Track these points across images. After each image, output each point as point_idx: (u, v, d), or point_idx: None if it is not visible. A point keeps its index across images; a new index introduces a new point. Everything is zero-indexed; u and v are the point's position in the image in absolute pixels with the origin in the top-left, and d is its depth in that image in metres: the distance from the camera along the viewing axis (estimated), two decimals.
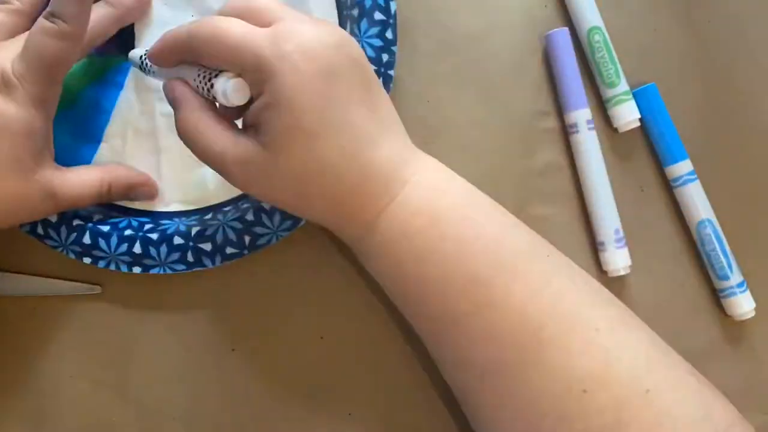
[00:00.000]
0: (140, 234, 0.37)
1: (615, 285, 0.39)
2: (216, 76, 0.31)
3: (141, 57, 0.36)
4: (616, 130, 0.40)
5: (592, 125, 0.39)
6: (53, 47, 0.32)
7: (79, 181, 0.35)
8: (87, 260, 0.37)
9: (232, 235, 0.37)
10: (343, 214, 0.31)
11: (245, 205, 0.38)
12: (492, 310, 0.30)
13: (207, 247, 0.37)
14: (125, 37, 0.38)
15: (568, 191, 0.40)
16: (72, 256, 0.37)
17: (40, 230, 0.37)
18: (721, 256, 0.39)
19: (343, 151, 0.30)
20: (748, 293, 0.39)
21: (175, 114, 0.32)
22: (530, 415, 0.30)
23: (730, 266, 0.39)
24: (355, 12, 0.37)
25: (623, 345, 0.30)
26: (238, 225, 0.37)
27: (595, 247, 0.40)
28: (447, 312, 0.31)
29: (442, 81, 0.40)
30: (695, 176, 0.39)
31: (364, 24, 0.37)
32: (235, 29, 0.30)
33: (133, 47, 0.38)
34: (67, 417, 0.39)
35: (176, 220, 0.38)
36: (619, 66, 0.39)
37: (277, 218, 0.37)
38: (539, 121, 0.40)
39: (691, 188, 0.39)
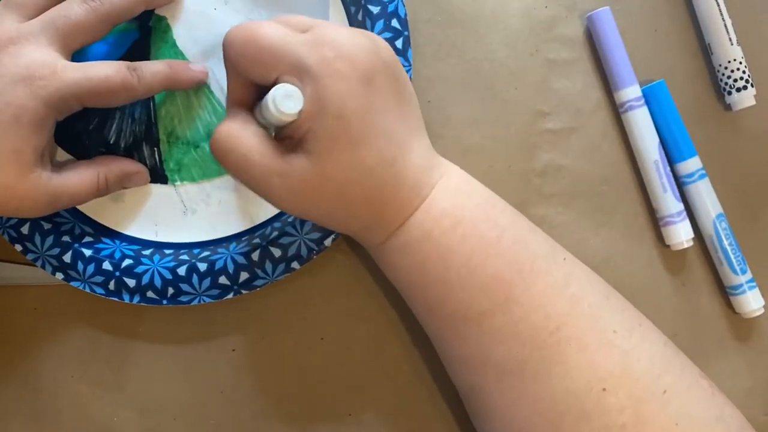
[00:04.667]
0: (116, 274, 0.37)
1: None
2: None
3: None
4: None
5: (642, 101, 0.39)
6: (114, 88, 0.33)
7: (77, 179, 0.35)
8: (60, 275, 0.37)
9: (197, 280, 0.37)
10: (377, 220, 0.31)
11: (221, 253, 0.38)
12: (513, 308, 0.30)
13: (186, 287, 0.37)
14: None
15: (568, 191, 0.40)
16: (49, 269, 0.37)
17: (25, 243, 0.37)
18: (738, 251, 0.39)
19: (381, 157, 0.30)
20: (757, 290, 0.39)
21: (216, 127, 0.31)
22: (549, 414, 0.30)
23: (744, 261, 0.39)
24: None
25: (640, 347, 0.31)
26: (203, 266, 0.37)
27: (597, 248, 0.40)
28: (468, 311, 0.31)
29: (442, 81, 0.40)
30: (705, 173, 0.39)
31: None
32: (273, 31, 0.30)
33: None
34: (67, 417, 0.39)
35: (156, 259, 0.38)
36: None
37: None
38: (539, 122, 0.40)
39: (701, 185, 0.39)
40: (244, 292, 0.37)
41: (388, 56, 0.31)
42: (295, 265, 0.37)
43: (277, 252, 0.37)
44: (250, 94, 0.33)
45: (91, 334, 0.39)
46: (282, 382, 0.39)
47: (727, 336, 0.40)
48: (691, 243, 0.39)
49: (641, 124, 0.39)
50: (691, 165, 0.39)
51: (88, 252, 0.37)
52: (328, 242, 0.37)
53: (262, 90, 0.32)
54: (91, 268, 0.37)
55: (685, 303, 0.40)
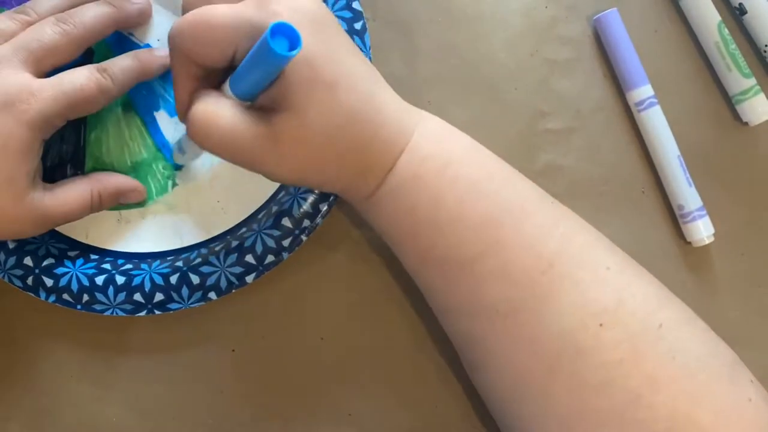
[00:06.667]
0: (36, 271, 0.37)
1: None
2: None
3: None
4: (746, 124, 0.40)
5: (656, 99, 0.39)
6: (91, 96, 0.33)
7: (70, 197, 0.35)
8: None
9: (113, 292, 0.37)
10: (367, 165, 0.31)
11: (142, 269, 0.37)
12: (503, 249, 0.30)
13: (101, 297, 0.37)
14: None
15: (569, 192, 0.40)
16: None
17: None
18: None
19: (358, 96, 0.30)
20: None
21: (190, 111, 0.30)
22: (546, 354, 0.30)
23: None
24: None
25: (634, 283, 0.31)
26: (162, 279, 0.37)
27: None
28: (459, 254, 0.31)
29: (442, 82, 0.40)
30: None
31: None
32: (219, 9, 0.29)
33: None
34: (67, 417, 0.39)
35: (78, 263, 0.37)
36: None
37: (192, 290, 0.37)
38: (539, 122, 0.40)
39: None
40: (157, 312, 0.37)
41: (325, 7, 0.31)
42: (212, 295, 0.37)
43: (195, 279, 0.37)
44: (196, 84, 0.32)
45: (91, 334, 0.39)
46: (282, 382, 0.39)
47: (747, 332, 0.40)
48: (712, 239, 0.39)
49: (659, 121, 0.39)
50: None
51: (12, 244, 0.37)
52: (249, 279, 0.37)
53: (212, 75, 0.31)
54: (12, 260, 0.37)
55: (696, 302, 0.40)
